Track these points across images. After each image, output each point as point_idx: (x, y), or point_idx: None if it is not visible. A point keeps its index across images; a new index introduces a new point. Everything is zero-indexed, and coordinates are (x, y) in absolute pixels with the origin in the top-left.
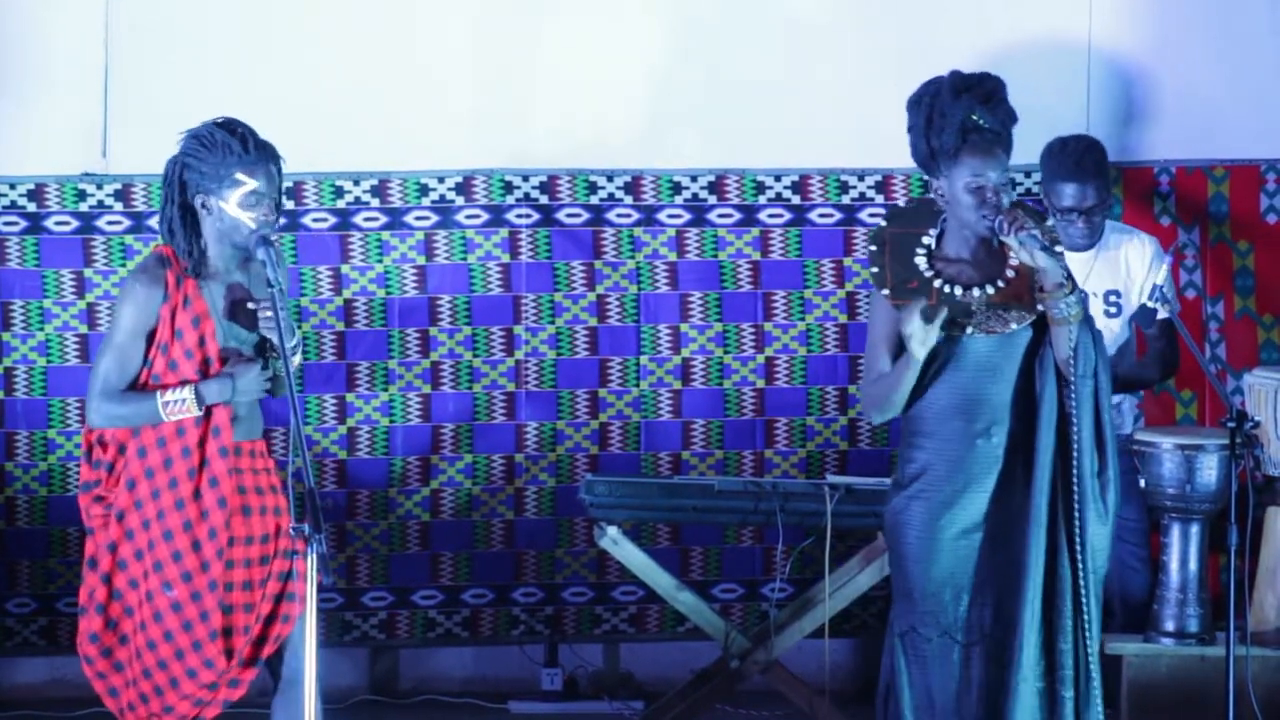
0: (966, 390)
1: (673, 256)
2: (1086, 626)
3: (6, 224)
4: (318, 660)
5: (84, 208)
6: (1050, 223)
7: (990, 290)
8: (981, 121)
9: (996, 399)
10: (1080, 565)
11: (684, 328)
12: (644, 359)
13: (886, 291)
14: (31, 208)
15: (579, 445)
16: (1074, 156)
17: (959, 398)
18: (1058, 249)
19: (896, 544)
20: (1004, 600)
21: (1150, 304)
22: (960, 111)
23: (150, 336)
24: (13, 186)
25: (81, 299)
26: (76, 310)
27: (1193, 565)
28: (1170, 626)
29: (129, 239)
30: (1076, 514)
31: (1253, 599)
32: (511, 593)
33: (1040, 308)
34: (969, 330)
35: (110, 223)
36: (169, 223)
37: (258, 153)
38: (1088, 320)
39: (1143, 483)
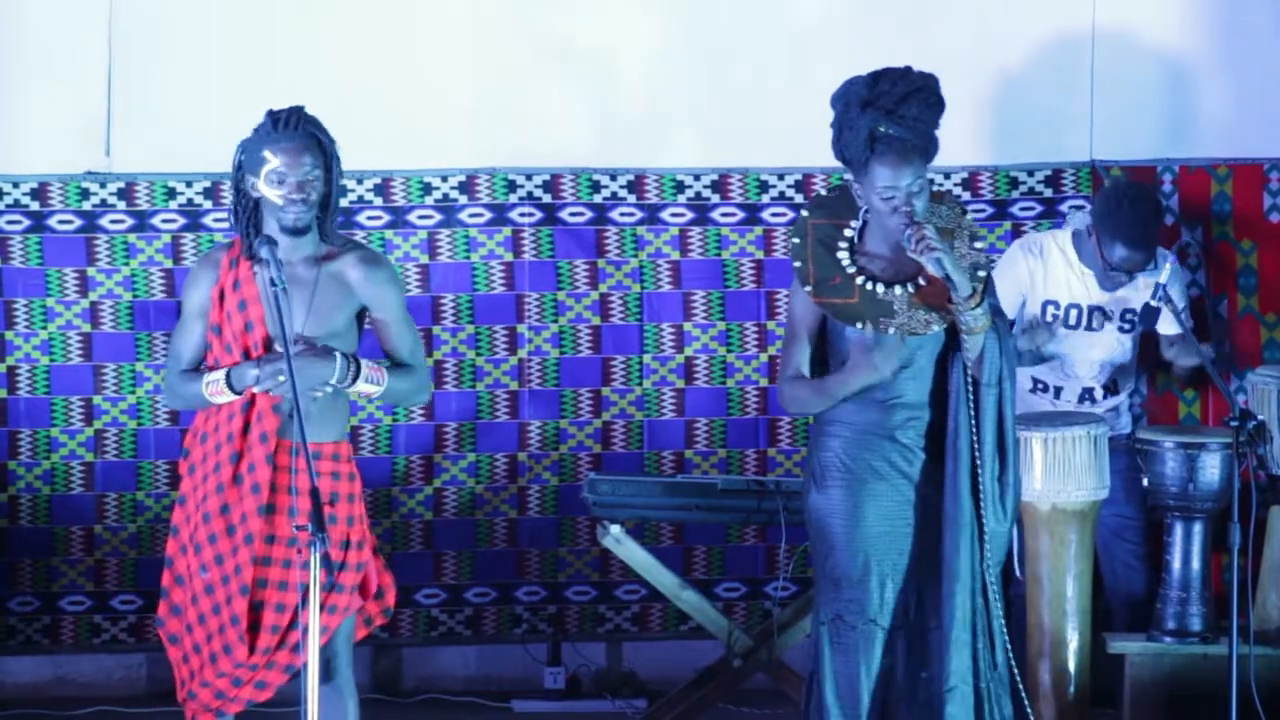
0: (884, 386)
1: (676, 255)
2: (994, 621)
3: (10, 223)
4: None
5: (87, 206)
6: (970, 216)
7: (910, 289)
8: (889, 131)
9: (912, 395)
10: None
11: (687, 326)
12: (647, 358)
13: (809, 288)
14: (35, 206)
15: (582, 444)
16: (1139, 225)
17: (875, 390)
18: (978, 244)
19: (821, 531)
20: (926, 589)
21: (1154, 303)
22: (866, 124)
23: (205, 314)
24: (16, 185)
25: (84, 298)
26: (79, 309)
27: (1195, 564)
28: (1173, 625)
29: (132, 237)
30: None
31: (1255, 598)
32: (514, 591)
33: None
34: (891, 330)
35: (113, 221)
36: (233, 209)
37: (286, 131)
38: (996, 329)
39: (1145, 481)
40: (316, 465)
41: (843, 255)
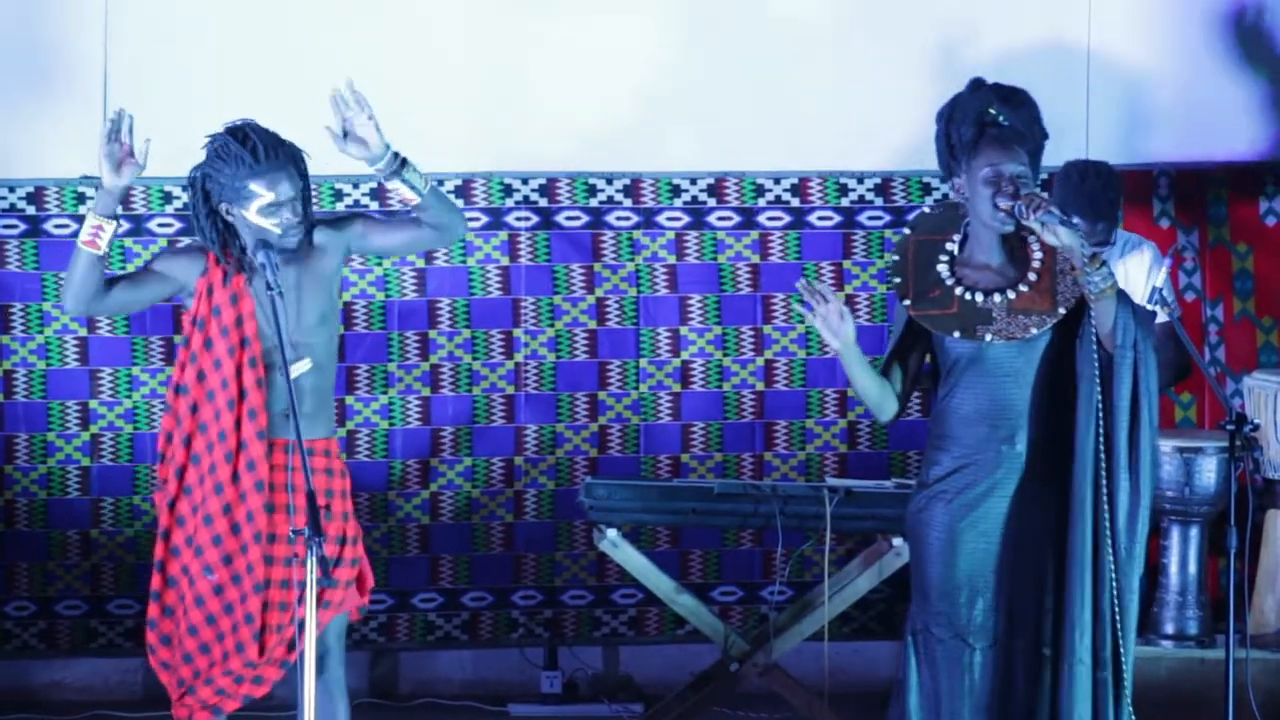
0: (989, 395)
1: (672, 259)
2: (1119, 614)
3: (6, 227)
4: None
5: (83, 211)
6: (1075, 219)
7: (1012, 295)
8: (1000, 117)
9: (1019, 404)
10: (1113, 549)
11: (683, 330)
12: (643, 362)
13: (908, 302)
14: (31, 211)
15: (578, 448)
16: (1088, 195)
17: (982, 403)
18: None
19: (916, 542)
20: (1018, 606)
21: (1149, 306)
22: (978, 104)
23: (167, 288)
24: (12, 189)
25: None
26: None
27: (1192, 568)
28: (1170, 629)
29: (128, 242)
30: (1105, 490)
31: (1252, 602)
32: (511, 595)
33: (1061, 310)
34: (988, 337)
35: None
36: (201, 231)
37: (269, 161)
38: (1123, 294)
39: None
40: (311, 462)
41: (943, 268)
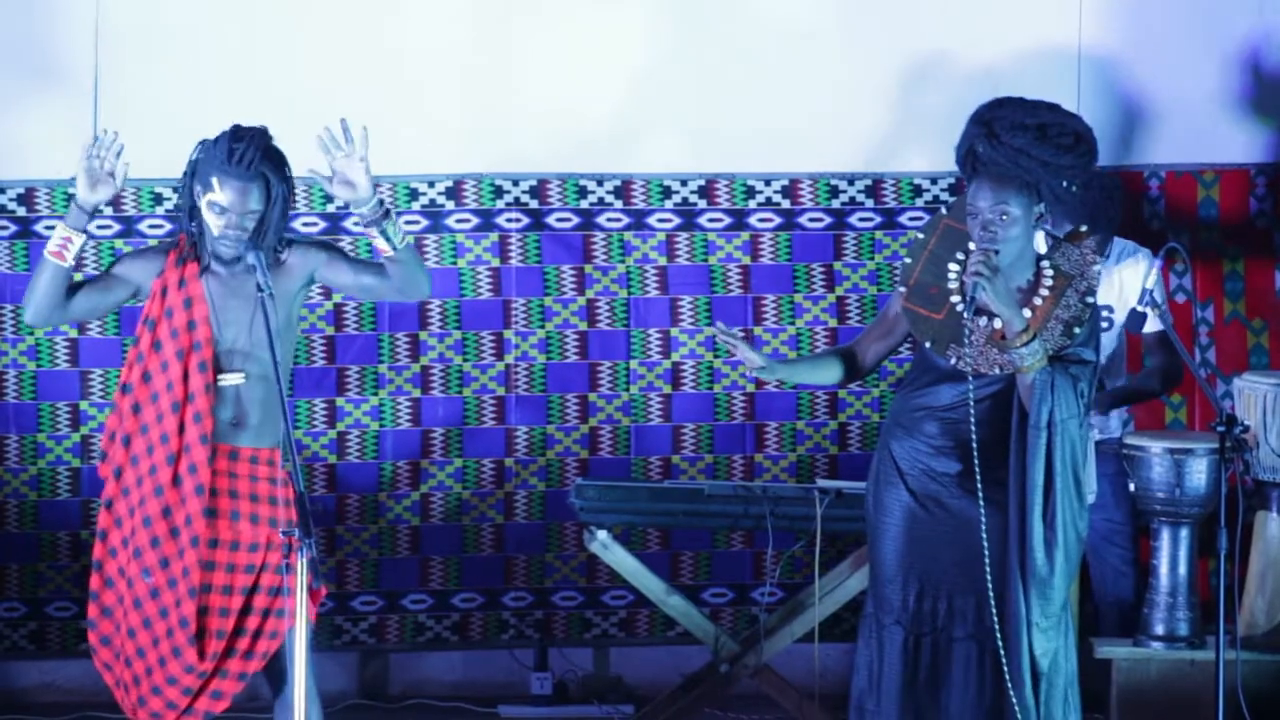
0: (947, 407)
1: (663, 261)
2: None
3: None
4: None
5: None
6: (1099, 267)
7: (997, 324)
8: (982, 153)
9: (965, 426)
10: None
11: (674, 332)
12: (634, 363)
13: (902, 289)
14: (21, 212)
15: (569, 449)
16: (1090, 206)
17: (939, 411)
18: (1089, 299)
19: (869, 527)
20: (955, 598)
21: (1140, 308)
22: (967, 139)
23: (126, 290)
24: (2, 191)
25: None
26: None
27: (1182, 569)
28: (1160, 630)
29: (119, 243)
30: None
31: (1242, 603)
32: (501, 597)
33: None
34: (954, 360)
35: (100, 227)
36: (183, 209)
37: (237, 167)
38: (1052, 373)
39: (1132, 487)
40: (255, 470)
41: (954, 267)
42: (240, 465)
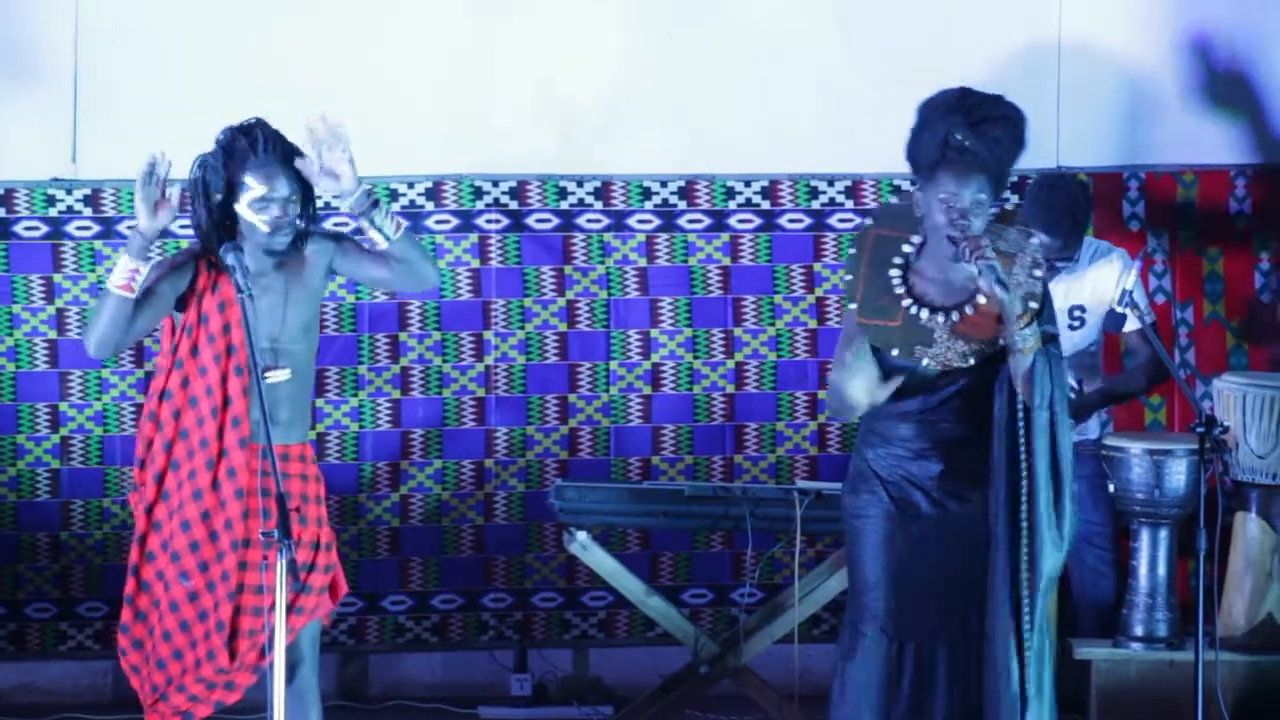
0: (920, 410)
1: (643, 262)
2: (1027, 646)
3: None
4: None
5: (53, 213)
6: (1036, 240)
7: (956, 317)
8: (964, 141)
9: (942, 424)
10: (1028, 589)
11: (654, 333)
12: (614, 364)
13: (854, 307)
14: (0, 213)
15: (549, 450)
16: (1055, 210)
17: (913, 415)
18: (1037, 273)
19: (849, 535)
20: (945, 608)
21: (1119, 309)
22: (944, 128)
23: (171, 293)
24: None
25: (51, 304)
26: (46, 315)
27: (1162, 570)
28: (1139, 631)
29: (99, 244)
30: (1026, 544)
31: (1221, 604)
32: (481, 598)
33: (1000, 342)
34: (925, 361)
35: (80, 228)
36: (197, 226)
37: (267, 155)
38: (1046, 352)
39: (1112, 488)
40: (286, 467)
41: (895, 274)
42: (267, 463)
